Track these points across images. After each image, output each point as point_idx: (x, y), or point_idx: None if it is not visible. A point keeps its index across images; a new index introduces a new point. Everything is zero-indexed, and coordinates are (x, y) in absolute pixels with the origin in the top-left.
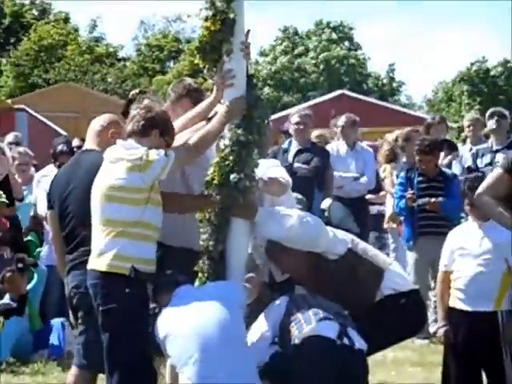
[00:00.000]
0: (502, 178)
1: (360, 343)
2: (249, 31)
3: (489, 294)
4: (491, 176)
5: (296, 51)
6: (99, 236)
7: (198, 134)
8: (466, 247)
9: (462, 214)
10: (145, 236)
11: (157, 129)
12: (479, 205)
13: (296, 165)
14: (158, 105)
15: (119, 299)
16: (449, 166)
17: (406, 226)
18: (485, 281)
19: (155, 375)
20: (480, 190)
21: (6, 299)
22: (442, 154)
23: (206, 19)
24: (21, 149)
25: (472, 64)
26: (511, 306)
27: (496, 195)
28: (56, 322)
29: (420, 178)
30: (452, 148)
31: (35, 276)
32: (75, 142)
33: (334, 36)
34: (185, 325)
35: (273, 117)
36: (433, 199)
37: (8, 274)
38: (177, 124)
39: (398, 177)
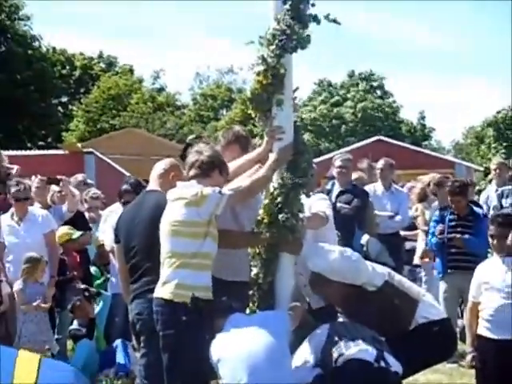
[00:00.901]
0: None
1: (396, 366)
2: (297, 88)
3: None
4: None
5: (332, 100)
6: (165, 267)
7: (252, 178)
8: (490, 281)
9: (489, 250)
10: (203, 265)
11: (215, 168)
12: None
13: (338, 204)
14: (210, 147)
15: (177, 326)
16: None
17: (439, 260)
18: (509, 311)
19: None
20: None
21: (75, 325)
22: None
23: (259, 74)
24: (92, 192)
25: (498, 112)
26: None
27: None
28: (118, 342)
29: (452, 217)
30: None
31: (100, 303)
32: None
33: (368, 86)
34: (236, 350)
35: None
36: (458, 235)
37: (77, 303)
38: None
39: (432, 216)
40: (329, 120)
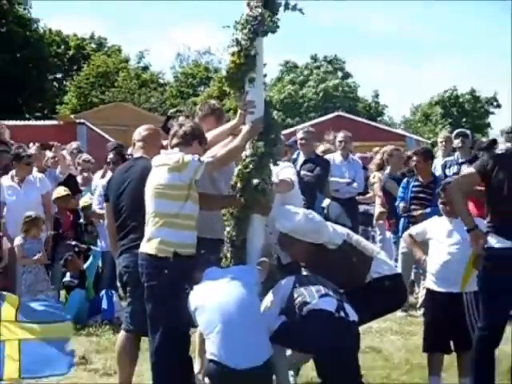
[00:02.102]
0: (473, 176)
1: (353, 316)
2: (265, 64)
3: (455, 278)
4: (464, 172)
5: (297, 80)
6: (149, 226)
7: (227, 147)
8: (439, 239)
9: None
10: (185, 225)
11: (196, 139)
12: (450, 196)
13: (302, 172)
14: (191, 121)
15: (159, 278)
16: None
17: (403, 220)
18: (452, 267)
19: (189, 339)
20: (453, 182)
21: (68, 277)
22: None
23: (233, 54)
24: (84, 156)
25: (445, 91)
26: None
27: (465, 190)
28: (103, 292)
29: (416, 183)
30: None
31: (90, 257)
32: (129, 151)
33: (329, 68)
34: (211, 299)
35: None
36: (419, 211)
37: (69, 257)
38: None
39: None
40: (294, 98)
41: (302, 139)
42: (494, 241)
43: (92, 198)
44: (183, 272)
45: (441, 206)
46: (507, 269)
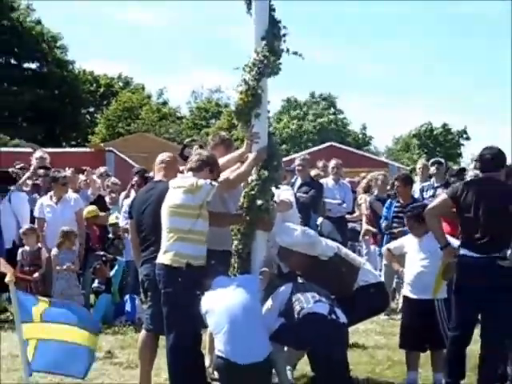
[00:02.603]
0: (446, 201)
1: (343, 318)
2: (269, 102)
3: (427, 287)
4: (438, 198)
5: (298, 115)
6: (165, 239)
7: (236, 172)
8: (410, 253)
9: None
10: (196, 240)
11: (207, 167)
12: (426, 219)
13: (298, 194)
14: (208, 152)
15: (174, 285)
16: None
17: (386, 237)
18: (423, 277)
19: (200, 338)
20: (430, 206)
21: (96, 284)
22: None
23: (241, 92)
24: (112, 179)
25: (421, 126)
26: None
27: (438, 213)
28: (127, 296)
29: (397, 204)
30: None
31: (116, 266)
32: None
33: (325, 104)
34: (220, 304)
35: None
36: (399, 229)
37: (98, 266)
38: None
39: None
40: (296, 133)
41: (299, 165)
42: (463, 252)
43: (118, 217)
44: (195, 280)
45: (409, 229)
46: (473, 275)
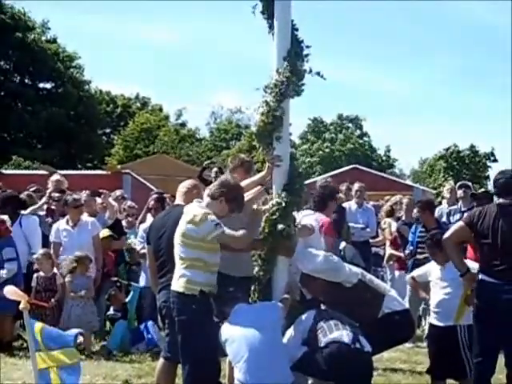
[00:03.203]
0: (462, 229)
1: (367, 347)
2: (291, 124)
3: (450, 313)
4: (454, 226)
5: (328, 139)
6: (178, 266)
7: (243, 235)
8: (434, 281)
9: None
10: (207, 269)
11: (223, 197)
12: (444, 248)
13: None
14: (233, 178)
15: (187, 313)
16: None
17: (410, 262)
18: (447, 305)
19: (219, 368)
20: (447, 234)
21: (111, 311)
22: None
23: (262, 114)
24: (129, 203)
25: (447, 149)
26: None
27: (456, 241)
28: (150, 323)
29: (421, 229)
30: None
31: (131, 292)
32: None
33: (352, 127)
34: (239, 332)
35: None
36: (423, 255)
37: (113, 292)
38: None
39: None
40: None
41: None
42: (482, 278)
43: (134, 242)
44: (208, 307)
45: (430, 256)
46: (492, 300)
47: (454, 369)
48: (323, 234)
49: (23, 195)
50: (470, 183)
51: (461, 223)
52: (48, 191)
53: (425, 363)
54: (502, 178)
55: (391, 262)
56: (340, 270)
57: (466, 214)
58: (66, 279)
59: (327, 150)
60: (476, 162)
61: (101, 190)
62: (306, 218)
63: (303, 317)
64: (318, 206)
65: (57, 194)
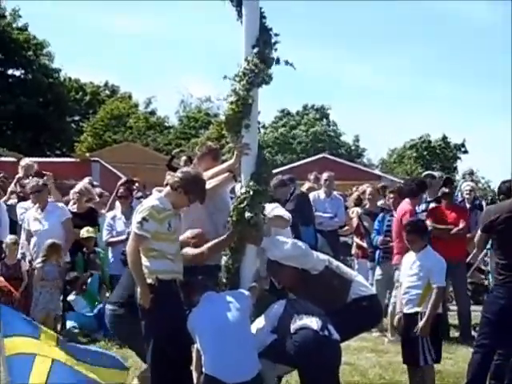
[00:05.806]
0: (481, 236)
1: (335, 335)
2: (259, 112)
3: (414, 300)
4: (477, 237)
5: (289, 125)
6: None
7: (192, 254)
8: (404, 268)
9: None
10: (162, 257)
11: (182, 188)
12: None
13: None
14: (194, 170)
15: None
16: None
17: (378, 252)
18: (412, 292)
19: (188, 355)
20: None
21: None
22: None
23: (232, 103)
24: (97, 190)
25: (420, 138)
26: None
27: (481, 246)
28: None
29: (390, 218)
30: None
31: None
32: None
33: (317, 115)
34: (207, 320)
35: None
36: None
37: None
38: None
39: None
40: (286, 139)
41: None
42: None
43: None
44: (169, 294)
45: (408, 243)
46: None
47: (409, 354)
48: None
49: None
50: (435, 173)
51: (479, 233)
52: (17, 176)
53: (392, 352)
54: (503, 186)
55: (358, 251)
56: (307, 257)
57: (432, 204)
58: (38, 265)
59: (285, 133)
60: (446, 153)
61: (44, 172)
62: (278, 209)
63: (274, 306)
64: None
65: (26, 181)
